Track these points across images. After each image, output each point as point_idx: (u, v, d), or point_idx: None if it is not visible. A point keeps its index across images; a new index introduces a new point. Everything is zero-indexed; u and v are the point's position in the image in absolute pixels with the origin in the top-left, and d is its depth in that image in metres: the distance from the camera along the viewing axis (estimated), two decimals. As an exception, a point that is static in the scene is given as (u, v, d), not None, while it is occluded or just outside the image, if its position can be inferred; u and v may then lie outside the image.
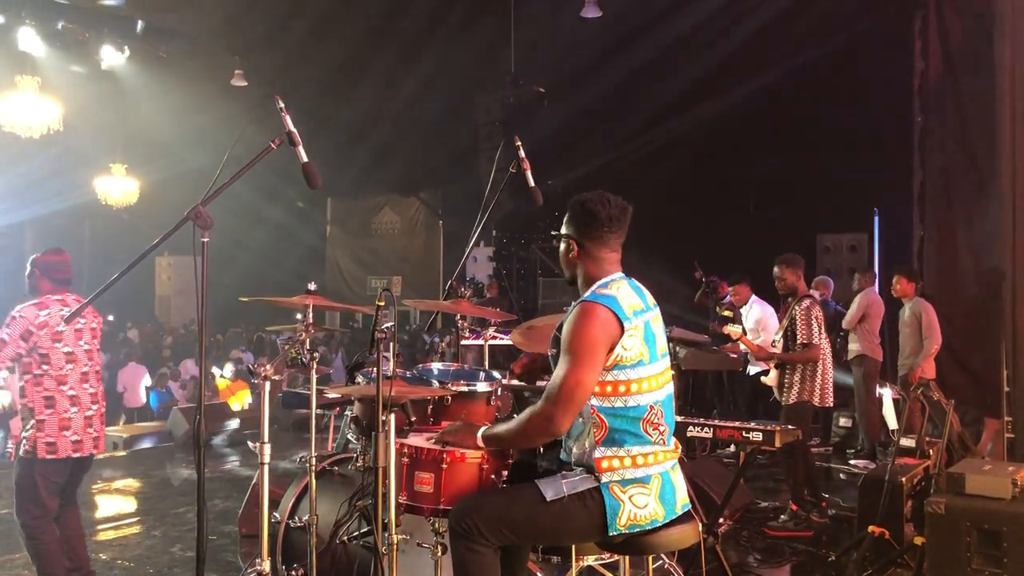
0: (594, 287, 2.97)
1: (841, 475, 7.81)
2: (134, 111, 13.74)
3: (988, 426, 6.33)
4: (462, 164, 14.57)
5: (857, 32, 9.53)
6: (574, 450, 2.95)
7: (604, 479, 2.86)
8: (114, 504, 7.51)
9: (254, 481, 5.90)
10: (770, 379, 6.19)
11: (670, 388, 3.04)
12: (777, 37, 10.10)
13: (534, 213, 12.55)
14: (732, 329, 6.69)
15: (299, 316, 4.60)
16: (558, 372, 2.86)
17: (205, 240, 3.13)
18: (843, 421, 8.81)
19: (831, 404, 6.28)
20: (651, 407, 2.92)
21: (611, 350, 2.84)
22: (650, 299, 3.06)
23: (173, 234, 3.23)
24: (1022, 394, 4.95)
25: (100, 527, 6.45)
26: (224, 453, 9.40)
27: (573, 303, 2.98)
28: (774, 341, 6.25)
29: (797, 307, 5.97)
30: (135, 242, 12.34)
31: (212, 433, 9.65)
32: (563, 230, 3.11)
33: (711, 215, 12.03)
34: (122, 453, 9.80)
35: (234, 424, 10.31)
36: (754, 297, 8.16)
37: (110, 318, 18.59)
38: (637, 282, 3.07)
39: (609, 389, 2.87)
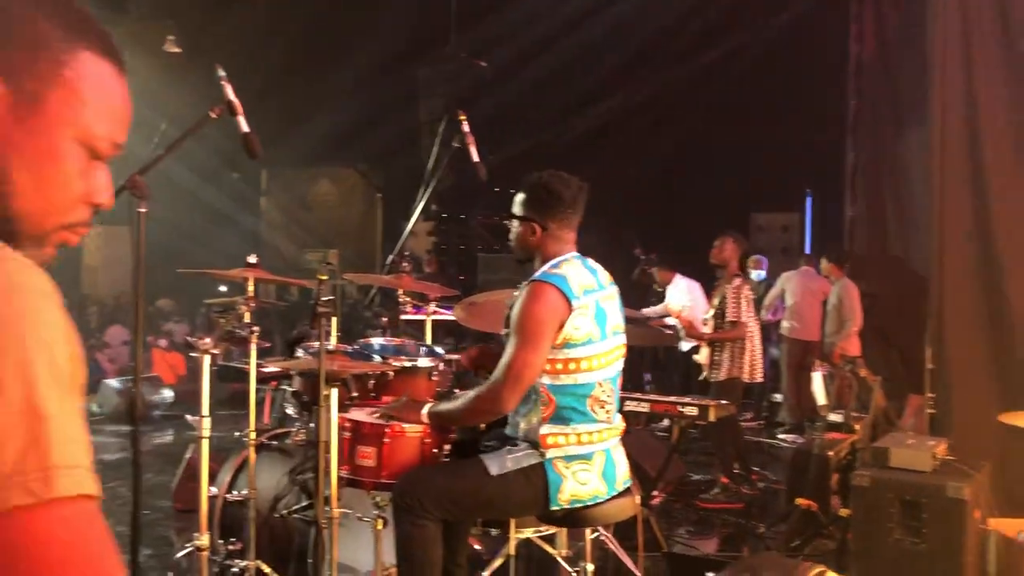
0: (545, 267, 3.00)
1: (770, 449, 8.02)
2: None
3: (911, 402, 6.55)
4: (402, 137, 14.44)
5: (796, 14, 9.68)
6: (521, 425, 2.98)
7: (549, 455, 2.90)
8: (41, 479, 7.32)
9: (188, 455, 5.83)
10: (701, 357, 6.34)
11: (619, 366, 3.09)
12: (716, 17, 10.21)
13: (475, 188, 12.51)
14: (672, 307, 6.83)
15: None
16: (507, 352, 2.89)
17: (143, 211, 3.07)
18: (777, 397, 9.04)
19: (761, 379, 6.47)
20: (599, 384, 2.97)
21: (560, 328, 2.87)
22: (604, 278, 3.09)
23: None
24: (944, 372, 5.12)
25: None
26: (156, 427, 9.22)
27: (523, 283, 3.00)
28: (705, 319, 6.38)
29: (727, 286, 6.13)
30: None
31: (151, 407, 9.45)
32: (520, 211, 3.10)
33: (649, 192, 12.15)
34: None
35: (168, 397, 10.12)
36: (676, 275, 8.33)
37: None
38: (592, 262, 3.10)
39: (559, 367, 2.91)
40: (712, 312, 6.24)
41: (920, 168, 6.48)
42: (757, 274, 9.32)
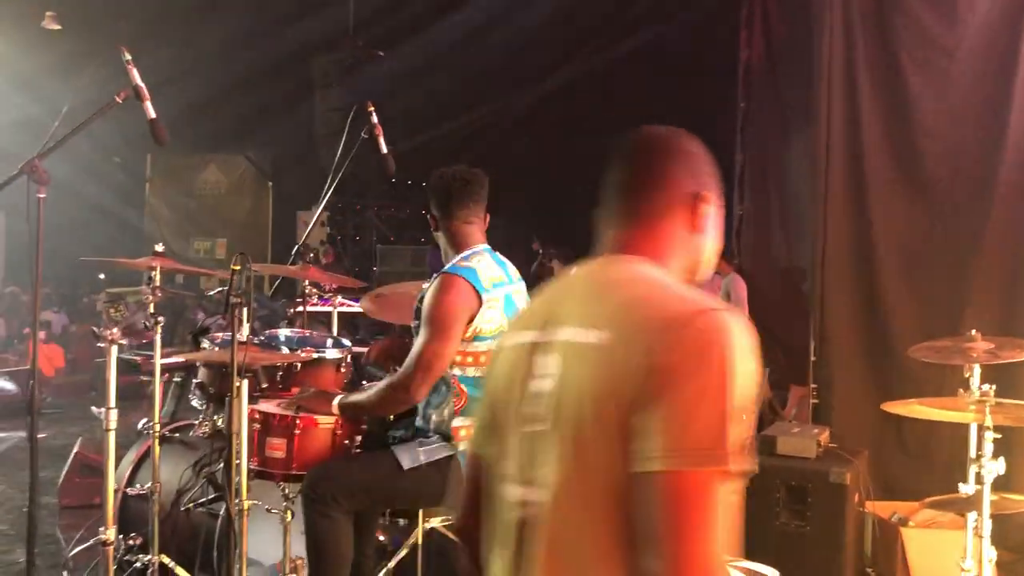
0: (455, 259, 3.05)
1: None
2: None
3: (793, 392, 6.89)
4: (294, 124, 14.16)
5: (688, 17, 9.97)
6: (432, 418, 3.02)
7: (461, 447, 2.95)
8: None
9: (75, 450, 5.63)
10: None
11: None
12: (610, 15, 10.41)
13: (370, 177, 12.41)
14: None
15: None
16: (417, 343, 2.92)
17: (42, 196, 2.97)
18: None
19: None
20: None
21: (471, 321, 2.93)
22: (514, 273, 3.16)
23: (4, 188, 3.04)
24: (825, 364, 5.43)
25: None
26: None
27: (435, 274, 3.04)
28: None
29: None
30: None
31: (44, 398, 9.03)
32: (428, 206, 3.18)
33: (549, 186, 12.31)
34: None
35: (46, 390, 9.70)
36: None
37: None
38: (501, 256, 3.16)
39: (470, 360, 2.96)
40: None
41: (804, 172, 6.79)
42: None
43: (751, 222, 8.18)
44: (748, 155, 8.17)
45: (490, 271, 3.02)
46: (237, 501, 2.99)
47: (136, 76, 3.10)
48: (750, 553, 3.81)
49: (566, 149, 12.19)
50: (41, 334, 11.89)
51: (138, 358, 5.06)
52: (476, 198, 3.13)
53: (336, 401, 3.07)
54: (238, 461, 2.97)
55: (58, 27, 12.41)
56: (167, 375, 5.58)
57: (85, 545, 3.44)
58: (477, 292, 2.92)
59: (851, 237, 5.33)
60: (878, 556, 3.93)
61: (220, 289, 3.02)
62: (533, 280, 8.38)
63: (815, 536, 4.07)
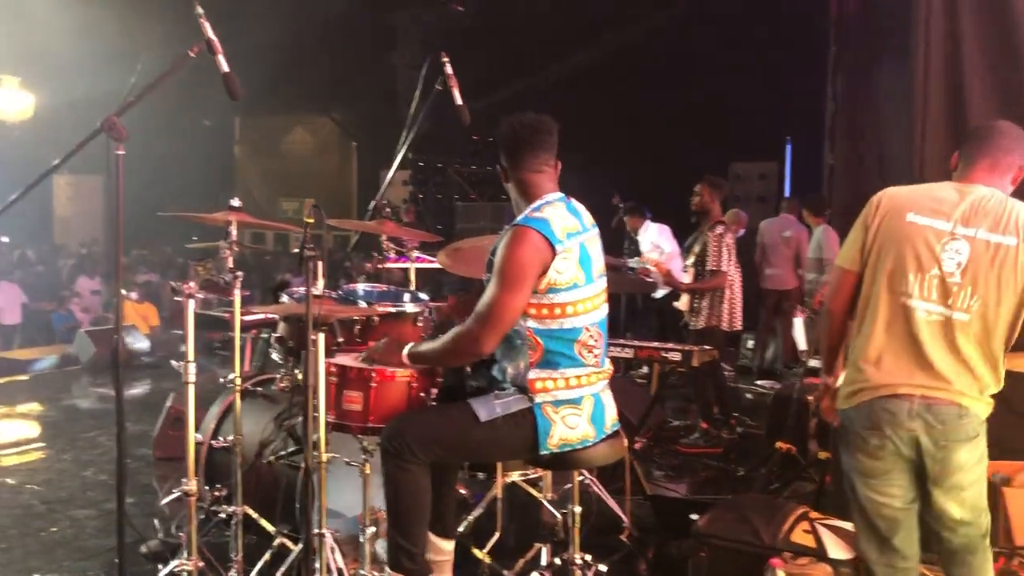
0: (527, 210, 2.97)
1: (748, 395, 8.11)
2: (28, 22, 12.88)
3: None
4: (378, 84, 14.22)
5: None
6: (508, 370, 2.97)
7: (537, 400, 2.90)
8: (17, 429, 7.27)
9: (168, 404, 5.80)
10: (682, 303, 6.34)
11: (605, 309, 3.08)
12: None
13: (452, 136, 12.39)
14: (648, 256, 6.82)
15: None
16: (487, 294, 2.86)
17: (120, 153, 2.99)
18: (751, 343, 9.13)
19: (740, 328, 6.49)
20: (587, 329, 2.95)
21: (544, 273, 2.85)
22: (588, 220, 3.06)
23: (81, 148, 3.08)
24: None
25: (3, 452, 6.24)
26: (131, 377, 9.15)
27: (506, 226, 2.97)
28: (686, 266, 6.37)
29: (709, 233, 6.06)
30: (29, 162, 11.72)
31: (132, 356, 9.38)
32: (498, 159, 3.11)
33: (627, 141, 12.09)
34: (24, 377, 9.45)
35: (145, 346, 10.06)
36: (647, 222, 8.36)
37: (4, 239, 17.74)
38: (576, 203, 3.07)
39: (545, 312, 2.89)
40: (692, 260, 6.21)
41: (899, 114, 6.47)
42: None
43: (843, 172, 7.89)
44: (839, 102, 7.86)
45: (564, 220, 2.92)
46: (315, 454, 3.01)
47: (208, 30, 3.08)
48: (839, 512, 3.69)
49: (647, 101, 11.93)
50: (135, 294, 12.34)
51: (227, 314, 5.16)
52: (545, 145, 3.03)
53: (406, 350, 3.05)
54: (315, 414, 2.98)
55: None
56: (255, 331, 5.70)
57: (175, 495, 3.53)
58: (551, 243, 2.84)
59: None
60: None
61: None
62: (612, 234, 8.23)
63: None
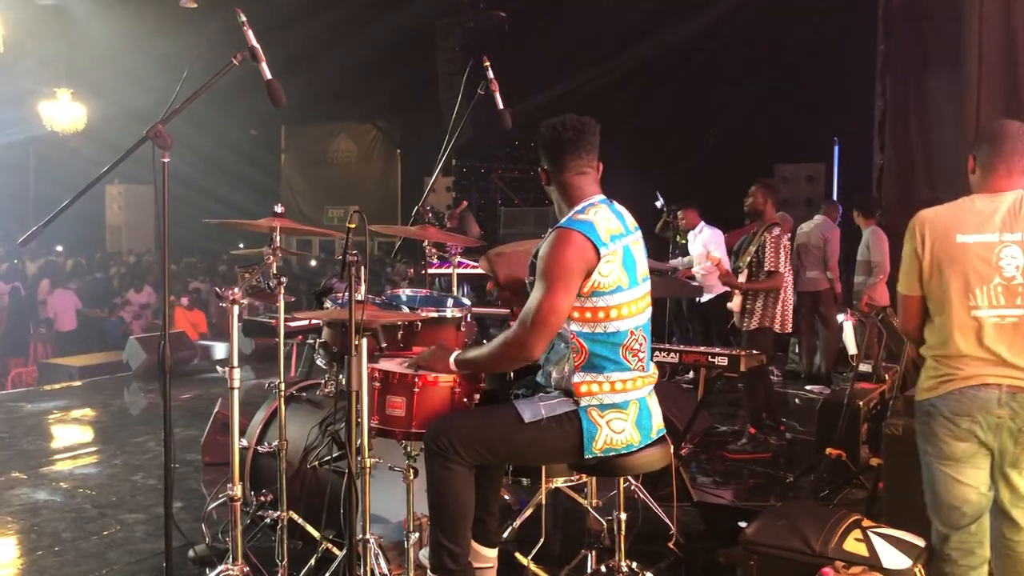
0: (571, 213, 2.94)
1: (797, 400, 7.98)
2: (80, 36, 13.20)
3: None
4: (420, 91, 14.27)
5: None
6: (553, 374, 2.94)
7: (583, 403, 2.87)
8: (71, 434, 7.43)
9: (216, 409, 5.86)
10: (734, 304, 6.25)
11: (650, 312, 3.04)
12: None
13: (494, 142, 12.42)
14: (713, 254, 6.77)
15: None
16: (533, 297, 2.84)
17: (166, 160, 3.03)
18: (798, 348, 8.99)
19: (790, 330, 6.39)
20: (631, 332, 2.92)
21: (588, 276, 2.82)
22: (631, 223, 3.03)
23: (128, 157, 3.13)
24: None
25: (58, 457, 6.38)
26: (181, 383, 9.30)
27: (550, 229, 2.94)
28: (738, 267, 6.28)
29: (767, 234, 5.99)
30: (83, 171, 11.97)
31: (181, 361, 9.54)
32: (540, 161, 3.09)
33: (670, 143, 12.00)
34: (78, 383, 9.65)
35: (193, 354, 10.22)
36: (702, 222, 8.28)
37: (58, 248, 18.15)
38: (619, 205, 3.03)
39: (589, 315, 2.86)
40: (748, 260, 6.13)
41: (951, 112, 6.33)
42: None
43: (893, 172, 7.73)
44: (888, 101, 7.70)
45: (608, 223, 2.89)
46: (359, 459, 3.01)
47: (252, 37, 3.11)
48: (892, 519, 3.60)
49: (692, 103, 11.82)
50: (186, 300, 12.53)
51: (273, 320, 5.20)
52: (588, 147, 3.00)
53: (453, 357, 3.04)
54: (359, 420, 2.98)
55: (194, 5, 12.88)
56: (300, 337, 5.73)
57: (222, 500, 3.56)
58: (595, 246, 2.81)
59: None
60: None
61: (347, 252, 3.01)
62: (656, 239, 8.15)
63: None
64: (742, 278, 6.16)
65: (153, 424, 7.28)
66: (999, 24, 4.96)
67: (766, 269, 5.95)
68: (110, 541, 4.53)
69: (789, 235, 7.71)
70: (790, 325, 6.22)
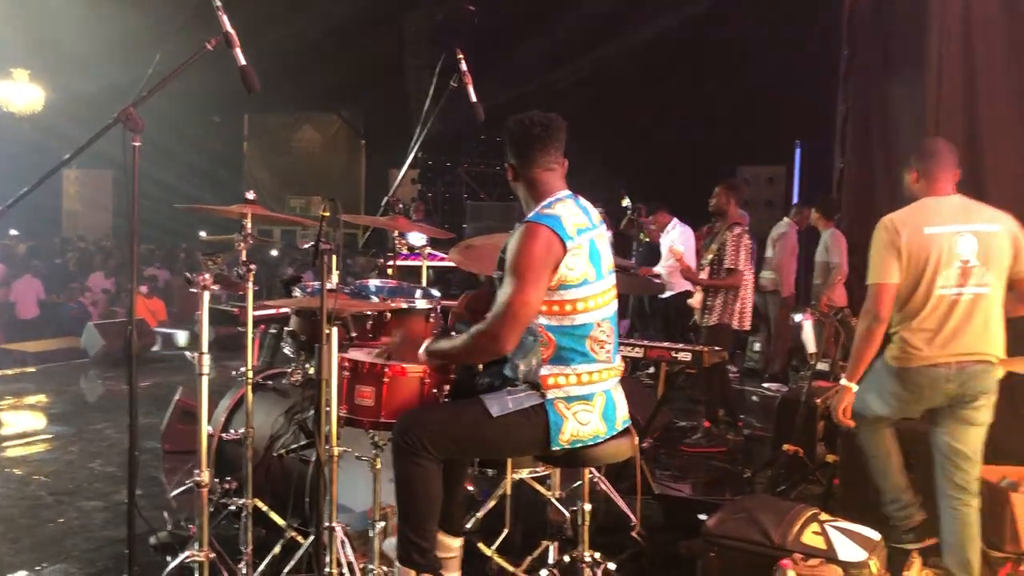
0: (537, 208, 2.98)
1: (754, 397, 8.11)
2: (39, 14, 12.90)
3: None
4: (386, 83, 14.23)
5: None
6: (520, 367, 2.96)
7: (549, 395, 2.90)
8: (25, 421, 7.30)
9: (176, 397, 5.81)
10: (695, 301, 6.37)
11: (615, 305, 3.08)
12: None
13: (460, 135, 12.42)
14: (675, 248, 6.88)
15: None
16: (503, 292, 2.86)
17: (136, 144, 3.00)
18: (756, 346, 9.13)
19: (748, 328, 6.52)
20: (597, 324, 2.96)
21: (555, 269, 2.86)
22: (596, 217, 3.07)
23: (96, 140, 3.09)
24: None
25: (9, 444, 6.25)
26: (140, 370, 9.16)
27: (517, 224, 2.97)
28: (701, 265, 6.39)
29: (728, 233, 6.12)
30: (41, 157, 11.73)
31: (141, 348, 9.40)
32: (505, 156, 3.12)
33: (635, 143, 12.08)
34: (31, 369, 9.48)
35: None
36: (675, 220, 8.37)
37: (12, 232, 17.78)
38: (584, 200, 3.08)
39: (556, 308, 2.90)
40: (710, 258, 6.24)
41: (911, 119, 6.45)
42: None
43: (853, 175, 7.84)
44: (850, 105, 7.81)
45: (574, 217, 2.93)
46: (327, 448, 3.01)
47: (226, 23, 3.09)
48: (846, 514, 3.69)
49: (656, 104, 11.93)
50: (144, 288, 12.36)
51: (235, 309, 5.17)
52: (556, 143, 3.04)
53: (424, 347, 3.06)
54: (327, 408, 2.99)
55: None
56: (263, 326, 5.70)
57: (184, 488, 3.54)
58: (562, 240, 2.85)
59: (962, 193, 5.05)
60: (986, 521, 3.74)
61: (311, 244, 3.01)
62: (621, 236, 8.23)
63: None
64: (704, 276, 6.27)
65: (111, 411, 7.19)
66: (958, 35, 5.08)
67: (726, 267, 6.07)
68: (67, 528, 4.48)
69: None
70: (748, 322, 6.35)
